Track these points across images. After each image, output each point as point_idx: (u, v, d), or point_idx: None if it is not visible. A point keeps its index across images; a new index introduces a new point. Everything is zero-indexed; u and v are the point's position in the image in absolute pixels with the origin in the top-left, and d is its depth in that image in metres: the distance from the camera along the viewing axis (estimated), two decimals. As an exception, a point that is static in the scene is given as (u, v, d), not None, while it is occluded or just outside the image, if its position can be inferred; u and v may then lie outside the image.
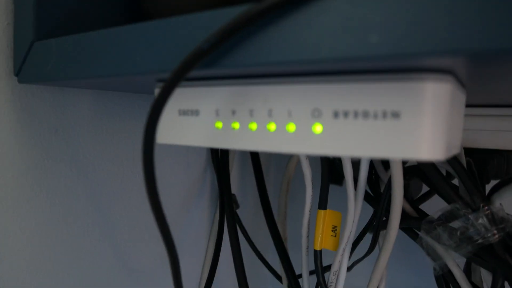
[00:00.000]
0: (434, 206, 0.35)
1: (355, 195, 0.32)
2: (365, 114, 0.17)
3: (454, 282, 0.31)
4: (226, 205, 0.43)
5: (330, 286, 0.36)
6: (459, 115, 0.22)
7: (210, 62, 0.18)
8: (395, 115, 0.17)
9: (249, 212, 0.54)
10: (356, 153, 0.17)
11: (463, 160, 0.31)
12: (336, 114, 0.18)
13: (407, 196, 0.36)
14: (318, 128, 0.18)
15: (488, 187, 0.35)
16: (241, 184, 0.53)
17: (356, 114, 0.17)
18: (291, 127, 0.19)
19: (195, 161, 0.45)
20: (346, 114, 0.18)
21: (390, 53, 0.14)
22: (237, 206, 0.45)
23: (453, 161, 0.29)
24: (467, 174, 0.29)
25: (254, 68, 0.18)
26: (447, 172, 0.35)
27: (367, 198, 0.36)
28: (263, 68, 0.18)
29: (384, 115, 0.17)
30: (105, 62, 0.22)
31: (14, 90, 0.28)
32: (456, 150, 0.22)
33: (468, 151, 0.36)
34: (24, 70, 0.26)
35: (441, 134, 0.17)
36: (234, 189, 0.49)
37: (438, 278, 0.33)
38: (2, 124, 0.28)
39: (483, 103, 0.35)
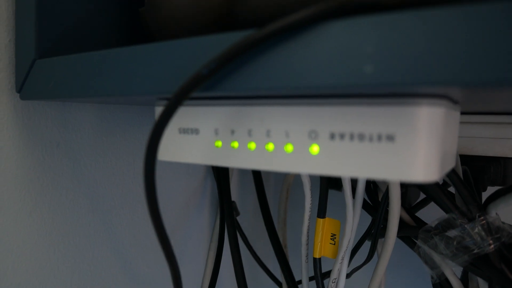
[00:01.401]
0: (432, 212, 0.35)
1: (354, 203, 0.33)
2: (361, 137, 0.18)
3: (451, 290, 0.31)
4: (226, 212, 0.43)
5: (330, 293, 0.36)
6: (453, 131, 0.22)
7: (209, 86, 0.18)
8: (390, 138, 0.17)
9: (249, 219, 0.54)
10: (352, 174, 0.18)
11: (460, 170, 0.32)
12: (332, 136, 0.18)
13: (405, 203, 0.37)
14: (315, 149, 0.19)
15: (487, 193, 0.36)
16: (241, 192, 0.53)
17: (352, 136, 0.18)
18: (289, 148, 0.19)
19: (196, 169, 0.46)
20: (342, 136, 0.18)
21: (384, 83, 0.14)
22: (237, 214, 0.46)
23: (449, 172, 0.30)
24: (463, 185, 0.29)
25: (252, 92, 0.18)
26: (444, 179, 0.35)
27: (365, 206, 0.36)
28: (261, 92, 0.18)
29: (379, 138, 0.17)
30: (105, 82, 0.22)
31: (16, 106, 0.29)
32: (451, 164, 0.23)
33: (465, 159, 0.36)
34: (26, 87, 0.27)
35: (435, 156, 0.17)
36: (234, 197, 0.49)
37: (435, 286, 0.33)
38: (5, 139, 0.28)
39: (479, 110, 0.35)
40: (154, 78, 0.20)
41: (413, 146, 0.17)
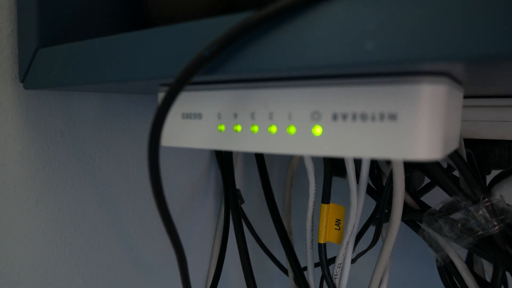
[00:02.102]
0: (437, 196, 0.35)
1: (358, 188, 0.33)
2: (363, 116, 0.18)
3: (456, 273, 0.31)
4: (231, 200, 0.43)
5: (335, 278, 0.36)
6: (456, 112, 0.22)
7: (211, 69, 0.18)
8: (392, 117, 0.17)
9: (254, 206, 0.54)
10: (355, 154, 0.18)
11: (463, 152, 0.32)
12: (335, 117, 0.18)
13: (409, 188, 0.37)
14: (318, 130, 0.19)
15: (490, 176, 0.36)
16: (245, 179, 0.53)
17: (354, 116, 0.18)
18: (292, 130, 0.19)
19: (200, 157, 0.46)
20: (344, 116, 0.18)
21: (386, 60, 0.14)
22: (242, 201, 0.46)
23: (453, 154, 0.30)
24: (467, 167, 0.29)
25: (254, 73, 0.18)
26: (448, 163, 0.35)
27: (369, 191, 0.36)
28: (263, 73, 0.18)
29: (382, 117, 0.17)
30: (108, 68, 0.22)
31: (20, 96, 0.29)
32: (454, 145, 0.23)
33: (469, 142, 0.36)
34: (29, 76, 0.27)
35: (437, 134, 0.17)
36: (238, 185, 0.50)
37: (440, 269, 0.33)
38: (10, 129, 0.28)
39: (482, 94, 0.35)
40: (157, 63, 0.20)
41: (416, 124, 0.17)
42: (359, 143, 0.18)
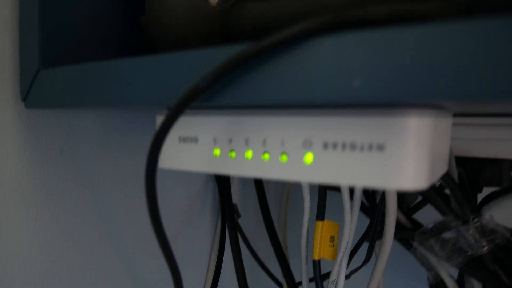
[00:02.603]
0: (431, 213, 0.36)
1: (351, 206, 0.33)
2: (353, 146, 0.18)
3: (447, 291, 0.32)
4: (227, 214, 0.44)
5: (329, 294, 0.37)
6: (444, 138, 0.23)
7: (207, 98, 0.19)
8: (380, 147, 0.18)
9: (250, 221, 0.55)
10: (344, 182, 0.19)
11: (454, 172, 0.32)
12: (325, 145, 0.19)
13: (402, 205, 0.38)
14: (309, 157, 0.19)
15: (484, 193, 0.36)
16: (242, 194, 0.54)
17: (344, 146, 0.19)
18: (284, 157, 0.20)
19: (197, 173, 0.46)
20: (335, 145, 0.19)
21: (372, 97, 0.15)
22: (239, 216, 0.46)
23: (444, 176, 0.30)
24: (457, 187, 0.30)
25: (247, 103, 0.19)
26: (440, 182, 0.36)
27: (363, 208, 0.37)
28: (255, 103, 0.19)
29: (370, 147, 0.18)
30: (107, 92, 0.23)
31: (21, 114, 0.29)
32: (442, 170, 0.24)
33: (461, 160, 0.37)
34: (30, 96, 0.28)
35: (423, 165, 0.18)
36: (235, 199, 0.50)
37: (432, 287, 0.34)
38: (11, 147, 0.29)
39: (474, 112, 0.36)
40: (155, 89, 0.21)
41: (402, 155, 0.17)
42: (348, 171, 0.18)
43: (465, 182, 0.33)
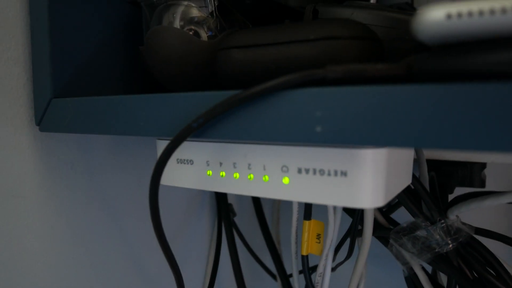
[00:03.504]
0: (407, 213, 0.39)
1: (334, 208, 0.37)
2: (322, 172, 0.22)
3: (419, 283, 0.36)
4: (223, 214, 0.48)
5: (317, 285, 0.41)
6: (405, 158, 0.26)
7: (198, 134, 0.22)
8: (344, 173, 0.21)
9: (245, 219, 0.59)
10: (316, 201, 0.22)
11: (425, 178, 0.36)
12: (300, 170, 0.23)
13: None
14: (286, 180, 0.23)
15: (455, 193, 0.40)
16: (237, 194, 0.58)
17: (314, 171, 0.22)
18: (266, 178, 0.24)
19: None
20: (307, 170, 0.22)
21: (331, 141, 0.18)
22: (234, 215, 0.50)
23: (414, 181, 0.34)
24: (427, 194, 0.34)
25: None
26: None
27: (345, 209, 0.41)
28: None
29: (336, 173, 0.22)
30: (113, 123, 0.26)
31: (35, 135, 0.33)
32: (404, 184, 0.27)
33: (434, 164, 0.41)
34: (44, 122, 0.31)
35: (380, 187, 0.21)
36: (231, 199, 0.54)
37: (407, 279, 0.38)
38: (27, 165, 0.33)
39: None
40: (154, 123, 0.24)
41: (362, 180, 0.21)
42: (319, 192, 0.22)
43: (435, 186, 0.37)
